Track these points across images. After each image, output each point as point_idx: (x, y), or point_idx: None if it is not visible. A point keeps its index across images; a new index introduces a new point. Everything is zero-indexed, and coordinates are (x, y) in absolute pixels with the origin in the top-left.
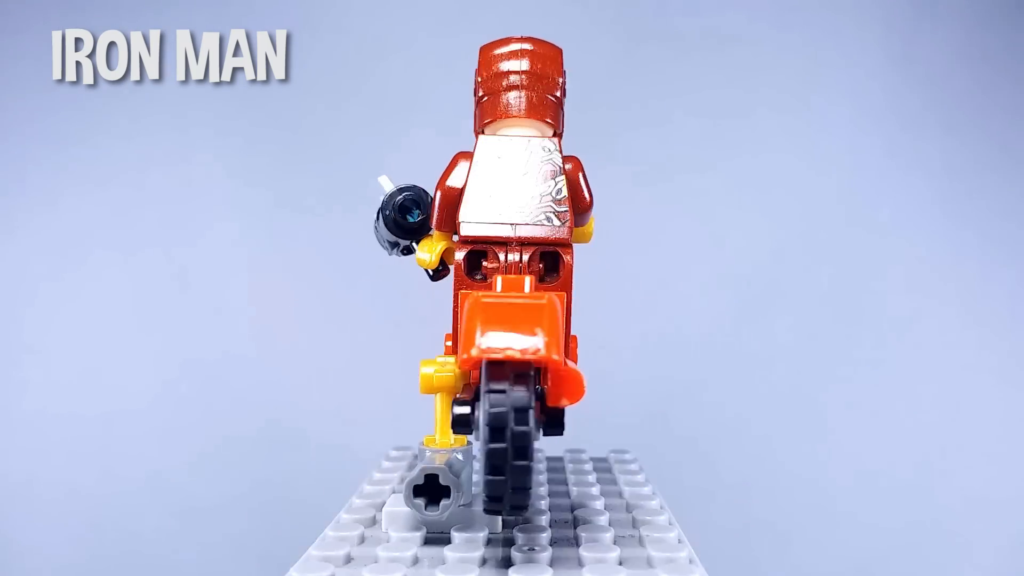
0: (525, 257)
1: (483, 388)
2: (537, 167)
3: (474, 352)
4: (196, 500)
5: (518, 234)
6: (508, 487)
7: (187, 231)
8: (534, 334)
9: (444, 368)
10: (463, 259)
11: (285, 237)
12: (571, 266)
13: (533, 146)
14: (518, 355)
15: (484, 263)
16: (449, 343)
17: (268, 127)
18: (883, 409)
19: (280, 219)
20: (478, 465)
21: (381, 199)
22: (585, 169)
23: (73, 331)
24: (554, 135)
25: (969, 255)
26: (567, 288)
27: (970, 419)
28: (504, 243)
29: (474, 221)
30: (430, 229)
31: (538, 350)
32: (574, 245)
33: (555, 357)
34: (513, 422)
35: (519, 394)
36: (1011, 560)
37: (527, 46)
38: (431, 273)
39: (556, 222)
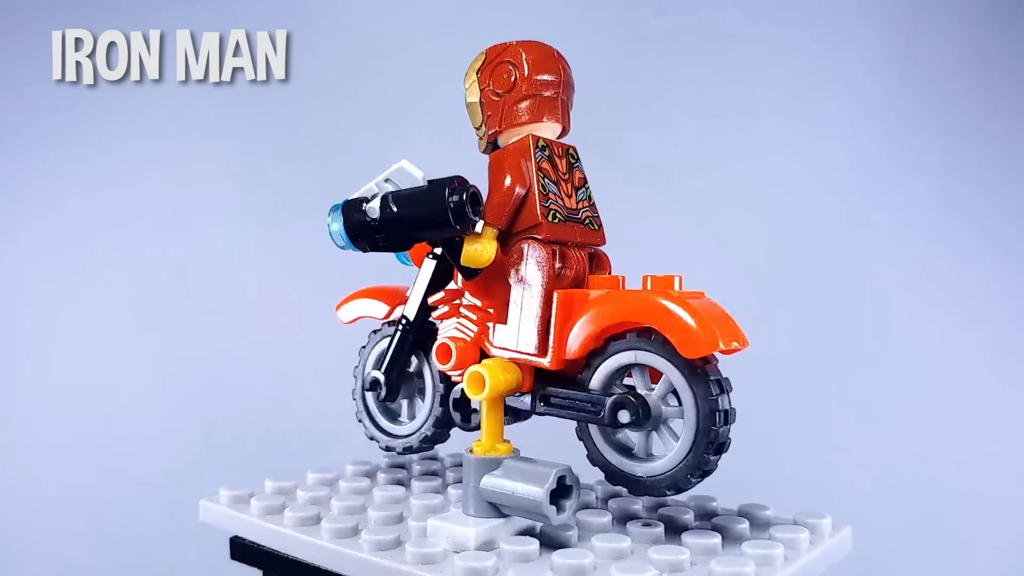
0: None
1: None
2: (569, 171)
3: (722, 345)
4: (196, 500)
5: (580, 237)
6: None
7: (187, 231)
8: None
9: (507, 370)
10: (549, 258)
11: (285, 237)
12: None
13: (563, 150)
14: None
15: (557, 264)
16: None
17: (268, 127)
18: (883, 409)
19: (280, 219)
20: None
21: (400, 186)
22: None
23: (73, 331)
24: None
25: (969, 255)
26: None
27: (970, 418)
28: (579, 244)
29: (552, 222)
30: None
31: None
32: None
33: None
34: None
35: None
36: (1011, 560)
37: (559, 52)
38: (467, 271)
39: (597, 226)
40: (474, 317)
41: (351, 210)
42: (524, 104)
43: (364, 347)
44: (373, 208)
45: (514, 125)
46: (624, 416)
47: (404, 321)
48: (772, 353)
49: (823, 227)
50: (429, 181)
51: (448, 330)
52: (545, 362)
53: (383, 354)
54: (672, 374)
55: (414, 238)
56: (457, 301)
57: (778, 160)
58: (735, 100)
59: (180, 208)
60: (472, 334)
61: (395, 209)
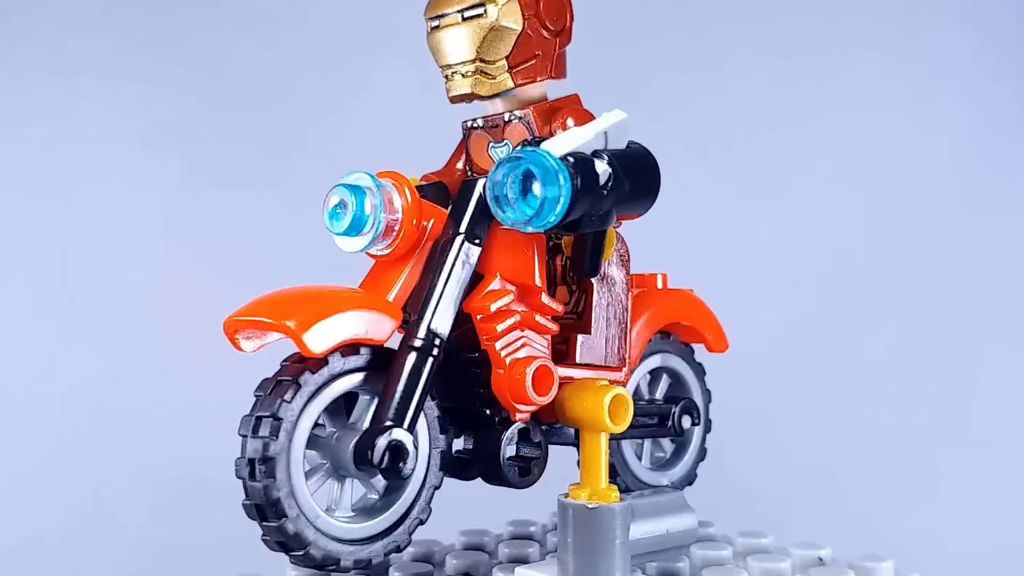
0: None
1: None
2: None
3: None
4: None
5: None
6: None
7: (72, 209)
8: None
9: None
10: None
11: (205, 217)
12: None
13: None
14: None
15: None
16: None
17: (184, 67)
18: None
19: (198, 192)
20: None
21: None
22: None
23: None
24: None
25: None
26: None
27: None
28: None
29: None
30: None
31: None
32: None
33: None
34: None
35: None
36: (1012, 560)
37: None
38: (597, 266)
39: None
40: (553, 327)
41: (583, 167)
42: (564, 55)
43: (281, 385)
44: (604, 169)
45: (563, 76)
46: (687, 421)
47: (429, 340)
48: (866, 371)
49: (933, 205)
50: (629, 143)
51: (515, 349)
52: (621, 376)
53: (376, 403)
54: (689, 376)
55: (614, 215)
56: (523, 308)
57: (874, 115)
58: (816, 33)
59: (63, 177)
60: (546, 351)
61: (623, 174)
